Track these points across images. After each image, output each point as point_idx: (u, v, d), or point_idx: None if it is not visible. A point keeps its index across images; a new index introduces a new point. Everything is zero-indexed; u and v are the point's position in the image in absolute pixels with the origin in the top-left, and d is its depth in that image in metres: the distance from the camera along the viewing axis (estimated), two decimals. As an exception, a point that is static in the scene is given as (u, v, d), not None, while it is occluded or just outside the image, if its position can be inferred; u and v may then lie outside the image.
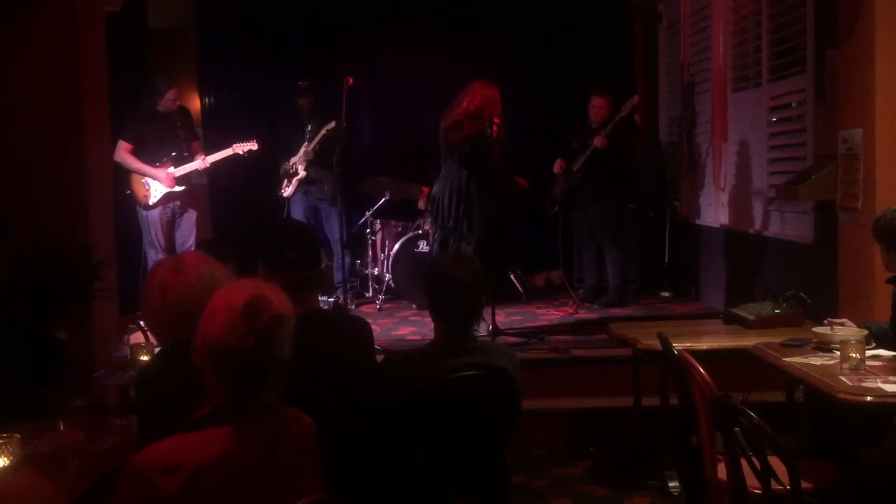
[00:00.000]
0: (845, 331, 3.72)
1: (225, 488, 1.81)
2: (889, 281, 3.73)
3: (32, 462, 2.64)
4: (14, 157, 5.26)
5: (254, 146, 6.89)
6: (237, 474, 1.83)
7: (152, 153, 6.67)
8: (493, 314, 5.86)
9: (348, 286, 7.18)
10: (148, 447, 1.86)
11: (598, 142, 6.77)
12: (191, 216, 6.87)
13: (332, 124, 6.91)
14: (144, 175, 6.64)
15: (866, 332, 3.67)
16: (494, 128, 5.85)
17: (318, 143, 7.14)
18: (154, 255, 6.61)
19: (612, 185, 6.97)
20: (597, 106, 6.96)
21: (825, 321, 3.92)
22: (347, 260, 7.16)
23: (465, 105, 5.97)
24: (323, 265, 5.39)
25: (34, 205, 5.27)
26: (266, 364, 2.01)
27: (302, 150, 7.26)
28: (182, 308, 2.47)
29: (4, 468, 2.56)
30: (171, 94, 6.70)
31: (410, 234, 7.33)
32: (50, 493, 2.51)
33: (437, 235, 6.16)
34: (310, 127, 7.25)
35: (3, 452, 2.57)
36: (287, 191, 7.33)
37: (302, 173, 7.26)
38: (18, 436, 2.64)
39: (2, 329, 4.20)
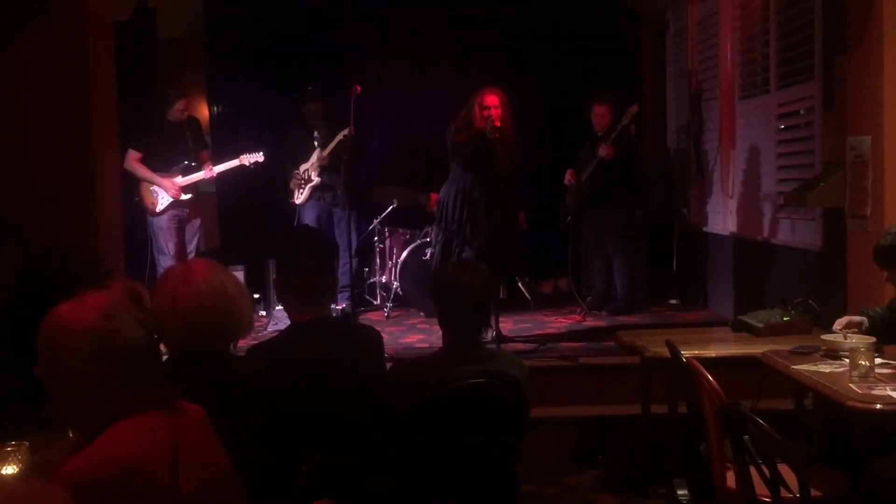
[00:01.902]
0: (854, 338, 3.71)
1: (153, 478, 1.85)
2: None
3: (41, 469, 2.65)
4: (23, 166, 5.28)
5: (260, 158, 6.94)
6: (159, 463, 1.87)
7: (161, 162, 6.78)
8: (497, 321, 5.86)
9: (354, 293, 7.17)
10: (69, 462, 1.88)
11: (603, 151, 6.76)
12: (194, 224, 6.95)
13: (347, 130, 6.87)
14: (152, 183, 6.74)
15: (874, 339, 3.66)
16: (496, 133, 5.86)
17: (332, 148, 7.12)
18: (163, 262, 6.66)
19: (619, 194, 6.97)
20: (599, 114, 6.99)
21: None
22: (355, 266, 7.13)
23: (475, 109, 6.01)
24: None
25: (43, 214, 5.28)
26: (157, 352, 2.03)
27: (314, 156, 7.26)
28: (191, 316, 2.50)
29: (13, 475, 2.57)
30: (180, 105, 6.80)
31: (418, 241, 7.32)
32: (58, 500, 2.52)
33: (440, 238, 6.16)
34: (318, 133, 7.27)
35: (12, 460, 2.58)
36: (300, 198, 7.33)
37: (316, 180, 7.27)
38: (27, 443, 2.64)
39: (9, 339, 4.20)
